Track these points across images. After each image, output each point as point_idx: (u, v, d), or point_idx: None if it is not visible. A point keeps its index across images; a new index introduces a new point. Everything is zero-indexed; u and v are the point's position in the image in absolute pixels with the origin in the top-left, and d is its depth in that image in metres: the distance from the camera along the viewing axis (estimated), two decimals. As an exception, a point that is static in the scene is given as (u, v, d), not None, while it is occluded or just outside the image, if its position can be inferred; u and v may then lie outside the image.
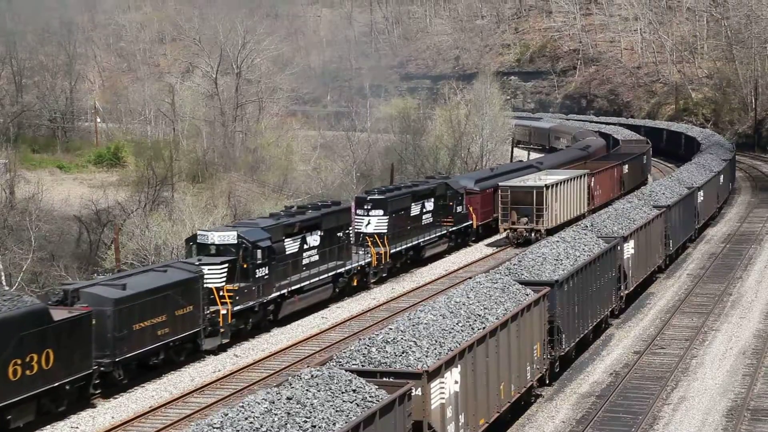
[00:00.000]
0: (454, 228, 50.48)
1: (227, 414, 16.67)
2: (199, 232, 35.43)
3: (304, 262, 37.79)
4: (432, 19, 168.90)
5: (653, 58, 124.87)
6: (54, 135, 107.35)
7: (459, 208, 51.17)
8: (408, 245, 46.01)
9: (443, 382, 20.32)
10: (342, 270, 40.38)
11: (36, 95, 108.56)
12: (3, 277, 44.86)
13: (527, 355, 25.62)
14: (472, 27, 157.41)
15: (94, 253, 54.56)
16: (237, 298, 33.47)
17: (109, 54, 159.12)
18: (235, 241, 34.17)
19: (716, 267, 46.41)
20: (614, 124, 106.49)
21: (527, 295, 26.34)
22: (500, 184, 53.25)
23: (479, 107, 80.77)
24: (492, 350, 23.06)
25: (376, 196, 44.74)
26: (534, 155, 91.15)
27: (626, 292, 37.24)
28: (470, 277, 27.64)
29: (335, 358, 20.59)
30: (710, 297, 40.11)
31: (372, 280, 43.37)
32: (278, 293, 35.93)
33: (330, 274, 39.36)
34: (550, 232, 47.93)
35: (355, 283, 41.78)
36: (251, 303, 34.31)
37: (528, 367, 25.73)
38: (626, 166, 68.53)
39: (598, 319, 33.16)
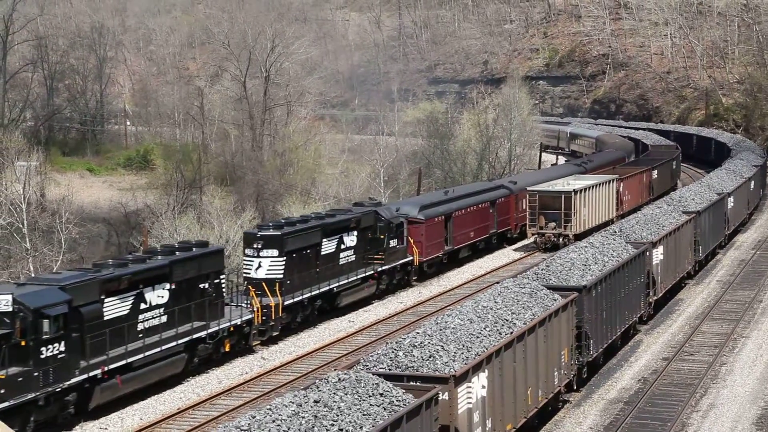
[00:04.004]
0: (385, 267, 41.18)
1: (255, 416, 16.75)
2: None
3: (140, 327, 28.80)
4: (460, 24, 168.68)
5: (683, 63, 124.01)
6: (84, 138, 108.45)
7: (393, 242, 41.67)
8: (314, 293, 36.65)
9: (470, 387, 20.28)
10: (203, 333, 31.17)
11: (67, 98, 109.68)
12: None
13: (555, 361, 25.53)
14: (500, 31, 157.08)
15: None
16: (2, 391, 24.43)
17: (139, 57, 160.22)
18: (9, 308, 24.93)
19: (746, 273, 46.04)
20: (643, 129, 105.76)
21: (555, 300, 26.25)
22: (528, 188, 53.13)
23: (507, 111, 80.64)
24: (519, 355, 23.00)
25: (270, 232, 35.33)
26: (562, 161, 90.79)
27: (655, 298, 37.04)
28: (498, 282, 27.58)
29: (362, 361, 20.62)
30: (740, 304, 39.80)
31: (254, 343, 34.34)
32: (85, 376, 26.73)
33: (182, 341, 30.24)
34: (578, 237, 47.74)
35: (227, 349, 32.65)
36: (31, 395, 25.08)
37: (555, 373, 25.64)
38: (655, 172, 68.13)
39: (627, 325, 33.00)
